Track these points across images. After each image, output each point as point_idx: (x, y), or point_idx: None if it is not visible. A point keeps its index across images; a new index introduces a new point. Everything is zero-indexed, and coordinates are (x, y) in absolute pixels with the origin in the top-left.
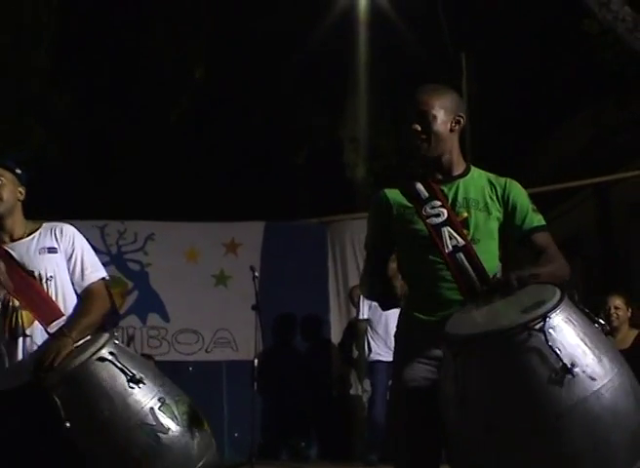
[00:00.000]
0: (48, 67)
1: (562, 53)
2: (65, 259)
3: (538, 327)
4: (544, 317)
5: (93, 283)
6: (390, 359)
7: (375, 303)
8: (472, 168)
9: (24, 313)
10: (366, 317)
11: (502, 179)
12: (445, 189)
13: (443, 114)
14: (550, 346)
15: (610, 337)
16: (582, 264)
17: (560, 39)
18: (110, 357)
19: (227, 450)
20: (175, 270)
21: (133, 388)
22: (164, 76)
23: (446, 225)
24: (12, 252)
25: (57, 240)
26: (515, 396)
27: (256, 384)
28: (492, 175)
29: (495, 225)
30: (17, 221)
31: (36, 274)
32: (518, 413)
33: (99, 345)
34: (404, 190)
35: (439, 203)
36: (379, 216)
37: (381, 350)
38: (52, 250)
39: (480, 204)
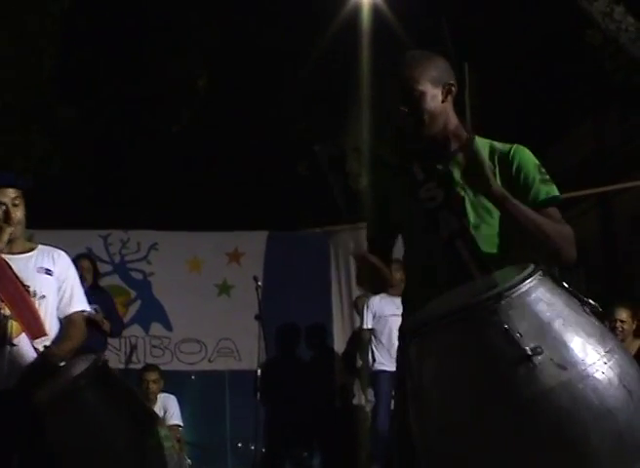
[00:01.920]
0: (51, 78)
1: (565, 63)
2: (57, 284)
3: (492, 308)
4: (500, 296)
5: (76, 312)
6: (394, 369)
7: (379, 313)
8: (475, 138)
9: (14, 323)
10: (370, 326)
11: (508, 147)
12: (442, 167)
13: (431, 87)
14: (507, 329)
15: None
16: (586, 274)
17: (563, 50)
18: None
19: (230, 460)
20: (178, 279)
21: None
22: (167, 87)
23: (442, 208)
24: (10, 263)
25: (53, 264)
26: (465, 388)
27: (259, 394)
28: (498, 145)
29: None
30: (20, 236)
31: (31, 290)
32: (470, 409)
33: (80, 371)
34: (400, 173)
35: (435, 184)
36: (376, 205)
37: (385, 360)
38: (48, 271)
39: None
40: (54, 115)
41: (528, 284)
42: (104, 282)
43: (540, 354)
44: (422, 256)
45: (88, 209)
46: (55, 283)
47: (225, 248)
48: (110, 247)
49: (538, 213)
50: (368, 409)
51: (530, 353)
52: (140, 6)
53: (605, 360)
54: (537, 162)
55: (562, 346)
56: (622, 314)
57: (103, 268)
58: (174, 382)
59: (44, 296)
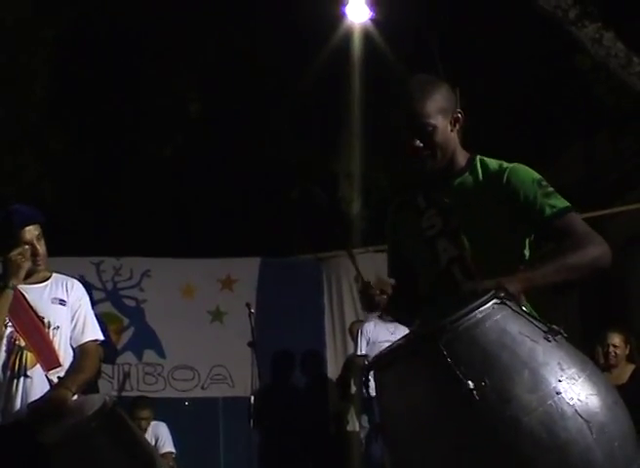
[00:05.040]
0: (44, 103)
1: (555, 88)
2: (70, 314)
3: (436, 341)
4: (441, 329)
5: (90, 341)
6: None
7: (373, 339)
8: (475, 160)
9: (29, 354)
10: (364, 352)
11: (502, 167)
12: (441, 194)
13: (441, 119)
14: (450, 364)
15: (607, 373)
16: (579, 298)
17: (553, 74)
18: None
19: None
20: (171, 306)
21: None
22: (159, 111)
23: (441, 236)
24: (25, 294)
25: (67, 293)
26: (413, 424)
27: (252, 421)
28: (494, 165)
29: (496, 226)
30: (43, 267)
31: (45, 321)
32: (417, 446)
33: (96, 411)
34: (406, 202)
35: (434, 211)
36: (388, 237)
37: None
38: (62, 302)
39: (476, 204)
40: (45, 140)
41: (478, 314)
42: (97, 309)
43: (483, 389)
44: (428, 285)
45: (80, 236)
46: (68, 313)
47: (218, 274)
48: (103, 274)
49: (552, 230)
50: (362, 435)
51: (472, 388)
52: (132, 31)
53: (559, 389)
54: (535, 177)
55: (508, 379)
56: (615, 339)
57: (96, 296)
58: (167, 410)
59: (58, 327)
